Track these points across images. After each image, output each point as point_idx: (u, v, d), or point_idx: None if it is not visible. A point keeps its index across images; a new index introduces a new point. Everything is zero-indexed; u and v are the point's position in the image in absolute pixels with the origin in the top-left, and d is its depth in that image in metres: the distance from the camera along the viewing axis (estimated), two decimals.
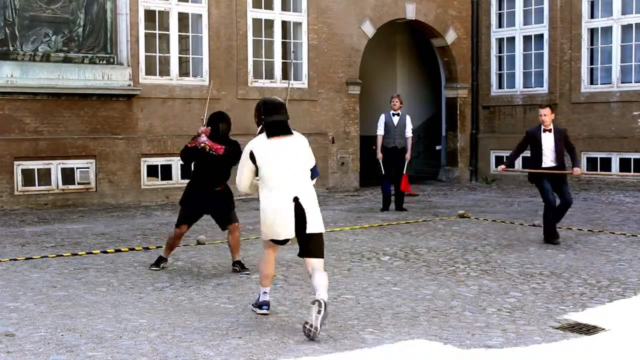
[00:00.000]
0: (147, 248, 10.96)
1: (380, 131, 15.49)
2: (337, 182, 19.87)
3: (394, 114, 15.51)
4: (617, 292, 8.11)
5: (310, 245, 6.84)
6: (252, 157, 6.92)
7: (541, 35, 20.98)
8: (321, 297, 6.50)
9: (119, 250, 10.76)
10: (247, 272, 9.12)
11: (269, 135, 6.91)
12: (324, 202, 17.03)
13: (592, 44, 20.07)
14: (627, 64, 19.40)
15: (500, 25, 22.09)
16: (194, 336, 6.48)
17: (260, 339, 6.41)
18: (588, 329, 6.74)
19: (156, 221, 14.05)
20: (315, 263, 6.82)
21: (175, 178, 17.42)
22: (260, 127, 7.02)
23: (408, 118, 15.64)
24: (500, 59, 22.19)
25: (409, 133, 15.53)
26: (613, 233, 12.38)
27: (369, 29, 20.23)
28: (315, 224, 6.83)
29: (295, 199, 6.77)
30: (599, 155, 19.59)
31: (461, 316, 7.22)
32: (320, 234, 6.90)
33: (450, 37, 21.87)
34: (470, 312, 7.36)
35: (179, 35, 17.67)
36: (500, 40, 22.09)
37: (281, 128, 6.95)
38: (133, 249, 10.89)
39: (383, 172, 15.42)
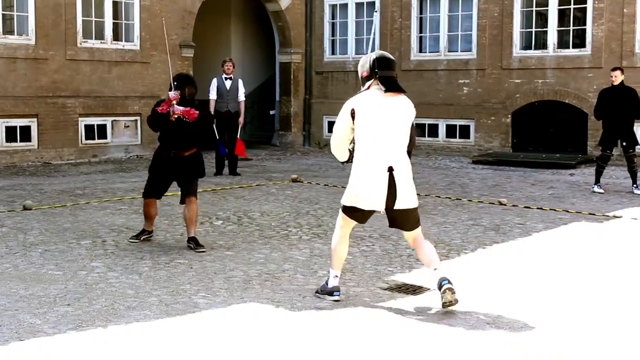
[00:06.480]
0: None
1: (213, 95, 15.43)
2: None
3: (226, 78, 15.48)
4: (442, 253, 8.39)
5: (401, 219, 6.43)
6: (352, 114, 6.32)
7: (373, 3, 21.36)
8: (441, 274, 6.32)
9: None
10: (203, 250, 8.41)
11: (388, 90, 6.28)
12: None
13: (421, 12, 20.63)
14: (454, 33, 20.08)
15: None
16: (20, 304, 6.27)
17: (89, 305, 6.28)
18: (414, 289, 7.00)
19: None
20: (412, 235, 6.53)
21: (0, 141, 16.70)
22: (368, 83, 6.42)
23: (240, 82, 15.65)
24: (333, 25, 22.45)
25: (241, 97, 15.55)
26: (439, 197, 12.85)
27: None
28: (407, 199, 6.32)
29: (390, 169, 6.22)
30: (427, 121, 20.23)
31: (293, 279, 7.33)
32: (414, 209, 6.45)
33: (285, 2, 21.91)
34: (302, 275, 7.48)
35: None
36: (333, 7, 22.33)
37: (397, 86, 6.35)
38: None
39: (217, 137, 15.35)
